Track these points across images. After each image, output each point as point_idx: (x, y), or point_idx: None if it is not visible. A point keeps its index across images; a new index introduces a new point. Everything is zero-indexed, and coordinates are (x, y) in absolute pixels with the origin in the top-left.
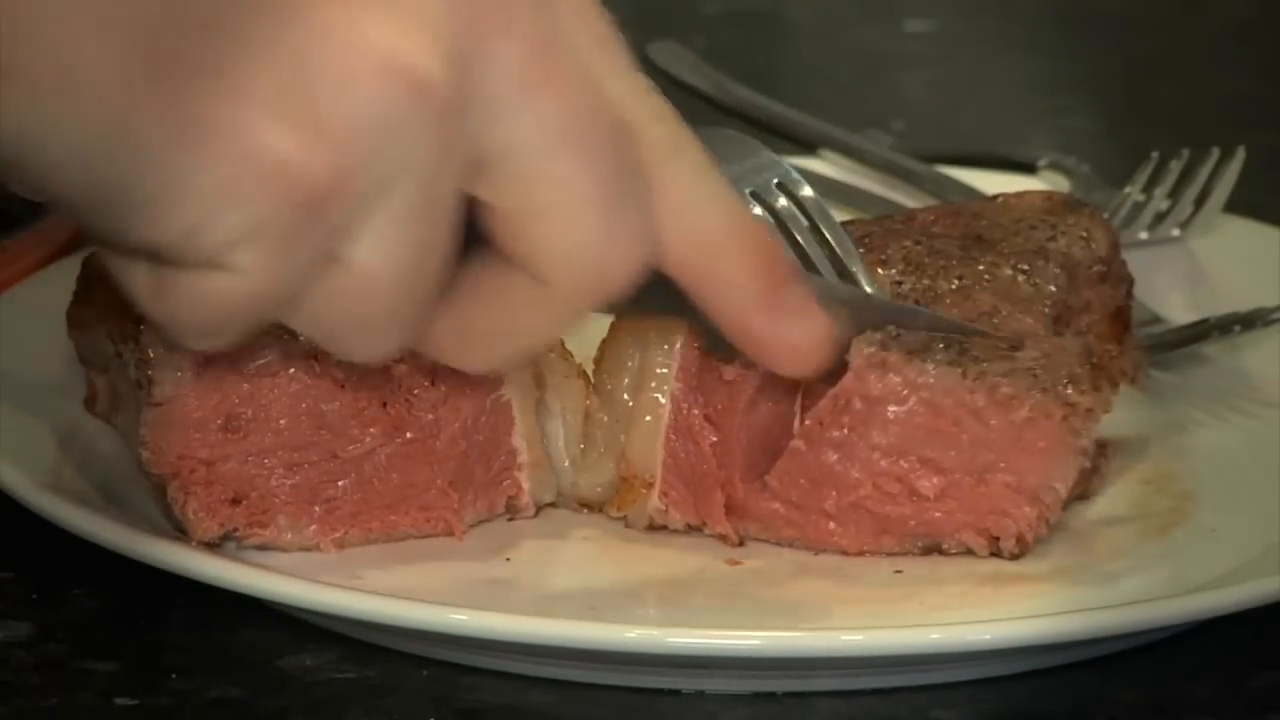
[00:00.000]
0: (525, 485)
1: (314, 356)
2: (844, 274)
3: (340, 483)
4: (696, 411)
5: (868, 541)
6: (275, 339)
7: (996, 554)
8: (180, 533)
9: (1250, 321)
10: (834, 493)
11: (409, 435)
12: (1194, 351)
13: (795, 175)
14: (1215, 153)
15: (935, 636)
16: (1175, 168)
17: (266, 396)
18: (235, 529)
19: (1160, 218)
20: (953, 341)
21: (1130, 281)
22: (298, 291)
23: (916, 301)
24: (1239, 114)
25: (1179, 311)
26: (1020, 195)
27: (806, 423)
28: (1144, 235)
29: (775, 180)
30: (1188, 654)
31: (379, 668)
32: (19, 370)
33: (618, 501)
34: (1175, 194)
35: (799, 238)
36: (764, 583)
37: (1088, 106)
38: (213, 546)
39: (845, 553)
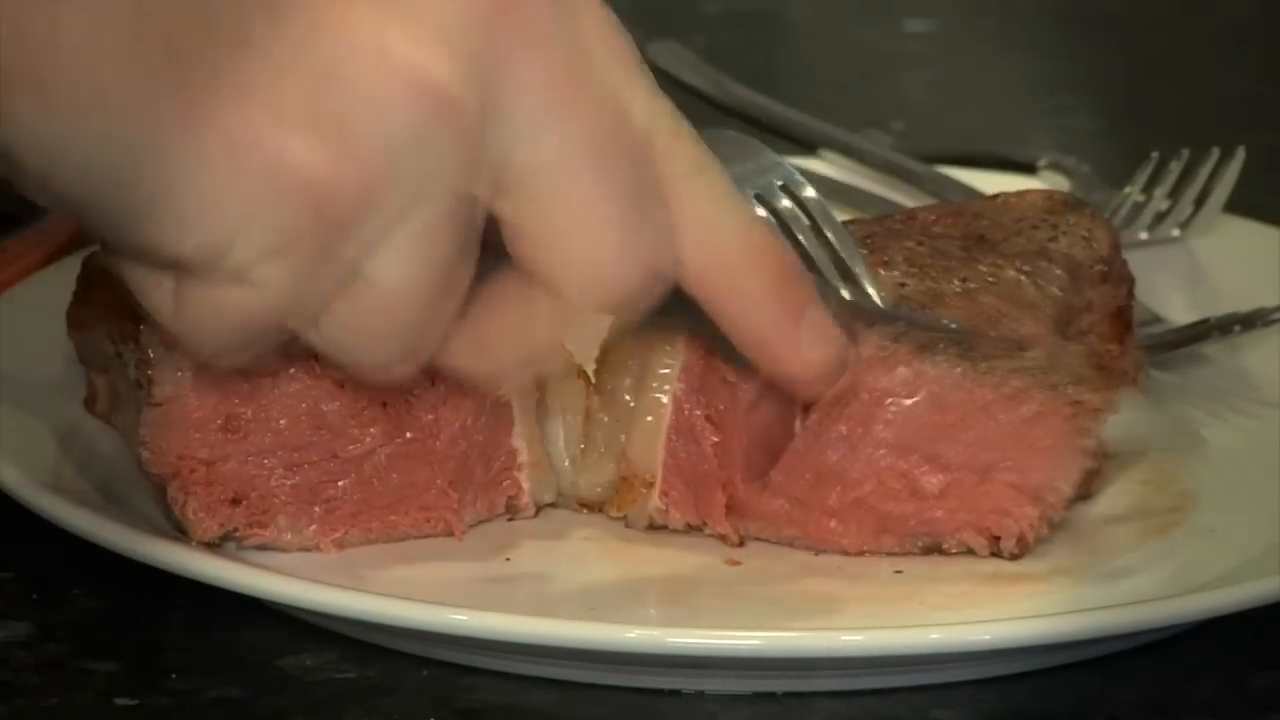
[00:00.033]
0: (525, 485)
1: (314, 357)
2: (847, 275)
3: (340, 483)
4: (699, 412)
5: (868, 540)
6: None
7: (997, 554)
8: (180, 533)
9: (1250, 321)
10: (837, 489)
11: (409, 435)
12: (1194, 351)
13: (798, 177)
14: (1215, 153)
15: (935, 636)
16: (1175, 168)
17: (266, 396)
18: (235, 529)
19: (1160, 218)
20: (960, 339)
21: (1131, 281)
22: (318, 307)
23: (921, 305)
24: (1239, 114)
25: (1179, 311)
26: (1021, 195)
27: (812, 417)
28: (1144, 235)
29: (778, 182)
30: (1188, 654)
31: (379, 668)
32: (19, 370)
33: (618, 501)
34: (1175, 194)
35: (802, 239)
36: (764, 583)
37: (1088, 106)
38: (213, 546)
39: (846, 552)
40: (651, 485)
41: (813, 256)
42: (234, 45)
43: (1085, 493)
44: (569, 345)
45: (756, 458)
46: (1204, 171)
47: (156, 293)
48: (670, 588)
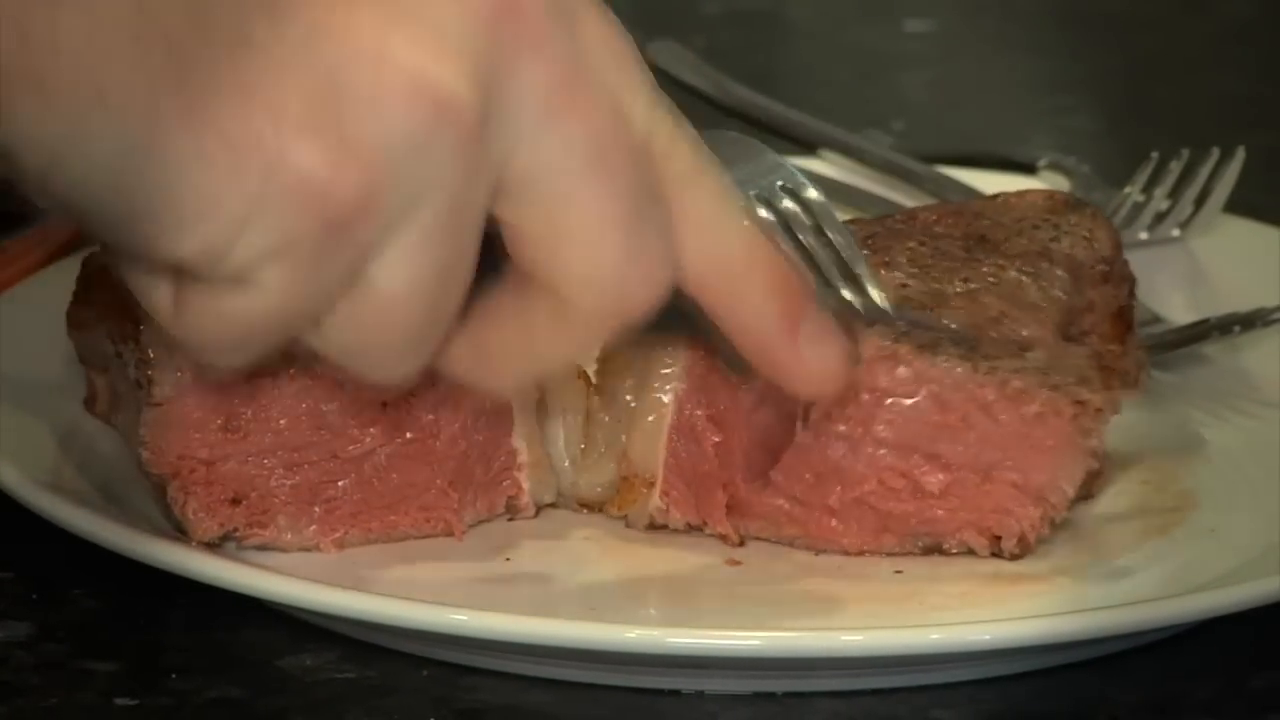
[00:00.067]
0: (525, 485)
1: (315, 358)
2: (850, 277)
3: (340, 483)
4: (700, 411)
5: (869, 540)
6: None
7: (998, 554)
8: (180, 533)
9: (1250, 321)
10: (838, 488)
11: (409, 435)
12: (1194, 351)
13: (801, 178)
14: (1215, 153)
15: (935, 636)
16: (1175, 168)
17: (266, 396)
18: (235, 529)
19: (1160, 218)
20: (963, 339)
21: (1133, 281)
22: (320, 311)
23: (924, 305)
24: (1239, 114)
25: (1179, 311)
26: (1021, 195)
27: (813, 417)
28: (1144, 235)
29: (781, 183)
30: (1188, 654)
31: (379, 668)
32: (19, 370)
33: (618, 501)
34: (1175, 194)
35: (805, 240)
36: (764, 583)
37: (1088, 106)
38: (213, 546)
39: (846, 552)
40: (652, 485)
41: (816, 258)
42: (234, 45)
43: (1087, 493)
44: (575, 355)
45: (757, 457)
46: (1204, 171)
47: (157, 295)
48: (670, 588)
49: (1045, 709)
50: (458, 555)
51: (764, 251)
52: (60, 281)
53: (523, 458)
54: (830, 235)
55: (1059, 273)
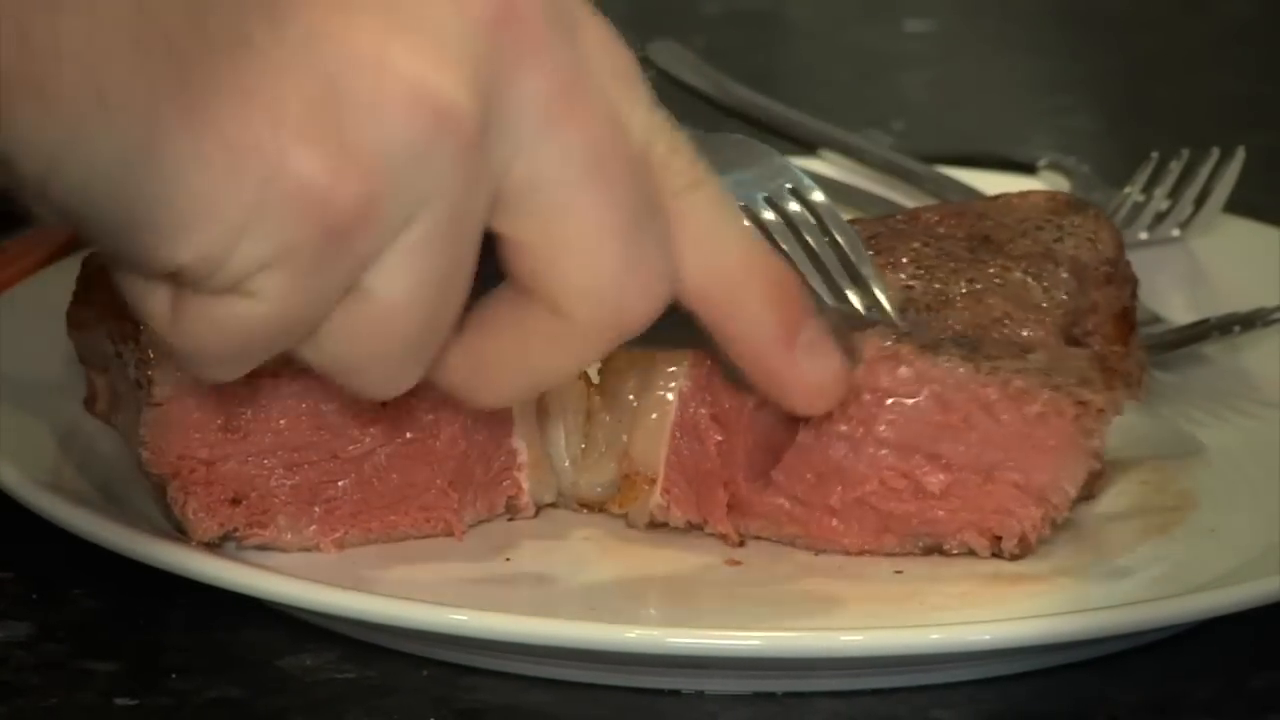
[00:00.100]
0: (525, 485)
1: None
2: (856, 279)
3: (340, 483)
4: (704, 410)
5: (869, 540)
6: None
7: (998, 554)
8: (180, 533)
9: (1250, 321)
10: (839, 488)
11: (409, 435)
12: (1194, 351)
13: (807, 180)
14: (1215, 153)
15: (935, 636)
16: (1175, 168)
17: (266, 396)
18: (235, 529)
19: (1160, 218)
20: (965, 339)
21: (1135, 282)
22: (317, 320)
23: (928, 306)
24: (1239, 114)
25: (1179, 311)
26: (1024, 195)
27: (814, 417)
28: (1144, 235)
29: (787, 185)
30: (1188, 654)
31: (379, 668)
32: (19, 370)
33: (619, 498)
34: (1175, 194)
35: (811, 242)
36: (764, 583)
37: (1088, 106)
38: (213, 546)
39: (847, 552)
40: (654, 482)
41: (822, 260)
42: (237, 53)
43: (1087, 493)
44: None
45: (759, 457)
46: (1204, 171)
47: (154, 303)
48: (670, 588)
49: (1045, 709)
50: (458, 555)
51: (762, 262)
52: (60, 281)
53: (523, 458)
54: (837, 238)
55: (1063, 274)
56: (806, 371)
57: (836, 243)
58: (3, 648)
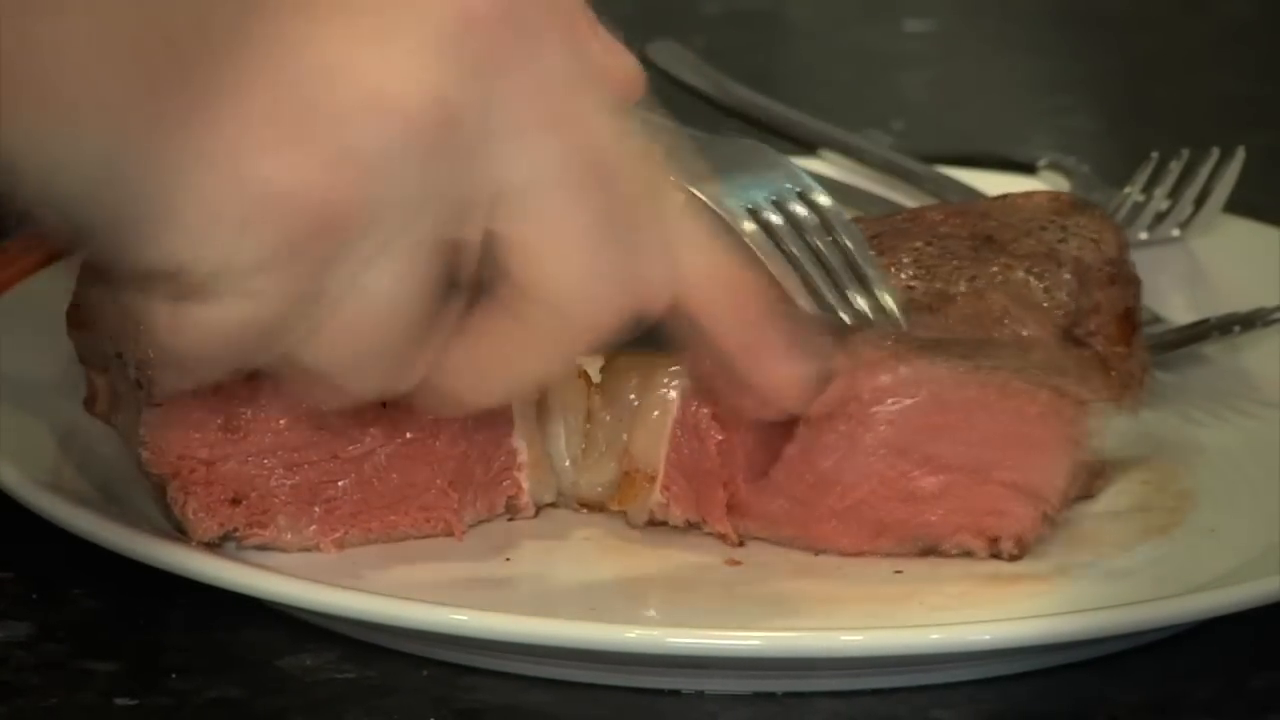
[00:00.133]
0: (525, 485)
1: None
2: (861, 280)
3: (340, 483)
4: (705, 410)
5: (867, 542)
6: None
7: (996, 555)
8: (180, 533)
9: (1250, 321)
10: (837, 490)
11: (409, 435)
12: (1194, 351)
13: (811, 182)
14: (1215, 153)
15: (935, 636)
16: (1175, 168)
17: (266, 396)
18: (235, 529)
19: (1160, 218)
20: (964, 340)
21: (1139, 283)
22: (299, 322)
23: (929, 306)
24: (1239, 114)
25: (1179, 311)
26: (1028, 195)
27: (814, 416)
28: (1144, 235)
29: (792, 187)
30: (1188, 654)
31: (379, 668)
32: (19, 370)
33: (619, 496)
34: (1175, 194)
35: (815, 244)
36: (764, 583)
37: (1088, 106)
38: (213, 546)
39: (844, 553)
40: (653, 480)
41: (827, 262)
42: (210, 60)
43: (1087, 493)
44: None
45: (759, 457)
46: (1204, 171)
47: (149, 308)
48: (670, 588)
49: (1045, 709)
50: (458, 555)
51: (722, 268)
52: (60, 281)
53: (523, 458)
54: (844, 240)
55: (1065, 275)
56: (775, 377)
57: (842, 245)
58: (3, 648)
